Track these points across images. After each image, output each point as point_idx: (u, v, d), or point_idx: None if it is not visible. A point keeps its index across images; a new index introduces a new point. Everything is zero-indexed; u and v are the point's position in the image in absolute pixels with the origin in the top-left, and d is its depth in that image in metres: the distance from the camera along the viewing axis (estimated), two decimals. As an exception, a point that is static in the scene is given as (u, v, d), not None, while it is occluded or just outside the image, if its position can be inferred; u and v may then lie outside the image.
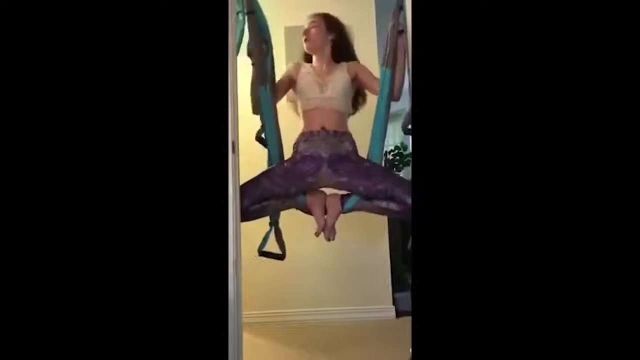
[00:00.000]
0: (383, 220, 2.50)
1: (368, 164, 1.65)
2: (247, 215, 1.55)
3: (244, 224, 1.49)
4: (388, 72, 1.63)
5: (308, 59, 1.82)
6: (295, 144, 1.70)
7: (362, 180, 1.59)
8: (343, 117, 1.73)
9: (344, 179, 1.61)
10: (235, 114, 1.37)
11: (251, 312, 2.20)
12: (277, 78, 1.75)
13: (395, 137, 4.89)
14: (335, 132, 1.66)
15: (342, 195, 1.67)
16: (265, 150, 1.72)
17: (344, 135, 1.68)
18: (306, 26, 1.76)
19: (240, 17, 1.59)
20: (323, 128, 1.65)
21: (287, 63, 2.38)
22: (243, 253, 1.38)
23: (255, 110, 1.67)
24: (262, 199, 1.58)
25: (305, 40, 1.75)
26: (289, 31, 2.44)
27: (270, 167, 1.69)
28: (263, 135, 1.71)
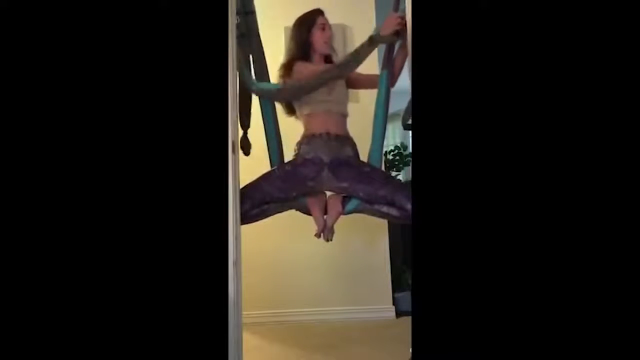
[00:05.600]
0: (383, 220, 2.50)
1: (369, 169, 1.64)
2: (247, 218, 1.56)
3: (244, 225, 1.50)
4: (385, 73, 1.63)
5: (301, 57, 1.75)
6: (297, 145, 1.69)
7: (363, 185, 1.58)
8: (345, 120, 1.72)
9: (344, 184, 1.61)
10: (235, 114, 1.37)
11: (251, 312, 2.20)
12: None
13: (395, 137, 4.90)
14: (337, 136, 1.64)
15: (344, 197, 1.67)
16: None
17: (346, 140, 1.67)
18: (323, 26, 1.71)
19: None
20: (327, 132, 1.64)
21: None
22: (243, 253, 1.38)
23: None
24: (263, 202, 1.58)
25: (326, 42, 1.72)
26: (289, 31, 2.43)
27: (271, 169, 1.69)
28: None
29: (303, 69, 1.66)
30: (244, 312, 1.37)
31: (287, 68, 1.68)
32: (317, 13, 1.74)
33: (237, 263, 1.31)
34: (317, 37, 1.71)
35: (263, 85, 1.71)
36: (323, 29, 1.71)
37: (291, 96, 1.67)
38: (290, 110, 1.75)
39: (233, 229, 1.31)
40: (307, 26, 1.73)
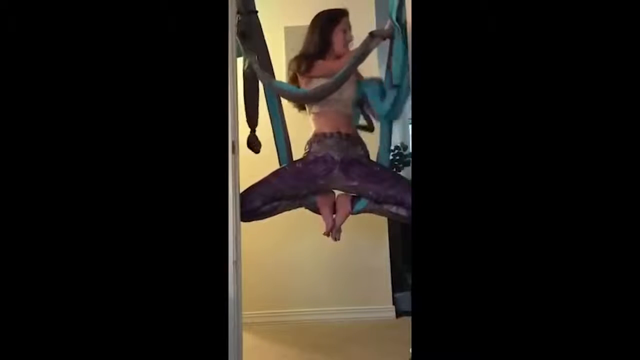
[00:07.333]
0: (383, 220, 2.50)
1: (379, 169, 1.64)
2: (258, 215, 1.57)
3: (243, 224, 1.50)
4: (388, 73, 1.63)
5: (318, 54, 1.71)
6: (308, 143, 1.69)
7: (372, 184, 1.59)
8: (352, 120, 1.72)
9: (354, 183, 1.61)
10: (235, 114, 1.37)
11: (251, 312, 2.19)
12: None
13: (395, 137, 4.89)
14: (347, 135, 1.64)
15: (353, 196, 1.67)
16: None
17: (357, 139, 1.68)
18: (345, 28, 1.70)
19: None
20: (338, 132, 1.63)
21: (287, 64, 2.40)
22: (243, 253, 1.39)
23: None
24: (274, 199, 1.59)
25: (345, 46, 1.69)
26: (289, 31, 2.44)
27: (281, 167, 1.69)
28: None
29: (322, 68, 1.63)
30: (244, 312, 1.37)
31: (308, 65, 1.64)
32: (344, 14, 1.71)
33: (237, 263, 1.32)
34: (339, 38, 1.68)
35: (286, 86, 1.68)
36: (345, 31, 1.69)
37: (317, 99, 1.63)
38: (301, 106, 1.74)
39: (233, 229, 1.31)
40: (331, 24, 1.69)
